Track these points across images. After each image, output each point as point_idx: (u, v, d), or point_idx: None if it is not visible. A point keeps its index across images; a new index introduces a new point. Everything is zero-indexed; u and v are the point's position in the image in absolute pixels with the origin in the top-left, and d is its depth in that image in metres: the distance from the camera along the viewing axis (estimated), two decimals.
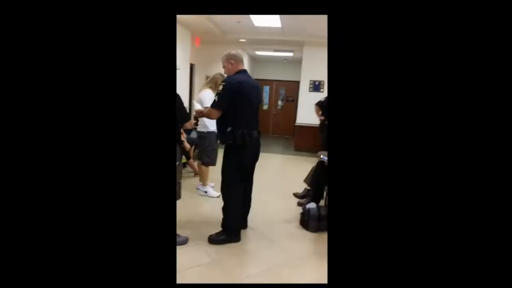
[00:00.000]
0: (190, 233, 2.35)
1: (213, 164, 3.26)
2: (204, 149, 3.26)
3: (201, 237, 2.30)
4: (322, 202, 2.91)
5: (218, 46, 5.36)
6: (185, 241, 2.23)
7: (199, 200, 3.22)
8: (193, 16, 4.20)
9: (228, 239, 2.27)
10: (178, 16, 4.21)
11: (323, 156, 2.88)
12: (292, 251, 2.24)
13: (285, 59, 8.12)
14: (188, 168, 4.03)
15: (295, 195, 3.04)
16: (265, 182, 3.90)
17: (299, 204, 3.08)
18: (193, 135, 3.73)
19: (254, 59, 8.72)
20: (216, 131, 2.43)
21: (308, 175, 3.15)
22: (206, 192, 3.30)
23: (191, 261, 2.02)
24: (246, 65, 8.19)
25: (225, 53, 2.24)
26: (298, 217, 2.79)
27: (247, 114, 2.17)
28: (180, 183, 2.24)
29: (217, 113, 2.15)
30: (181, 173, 2.27)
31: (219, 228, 2.33)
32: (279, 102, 9.09)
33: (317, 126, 5.15)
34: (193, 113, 2.55)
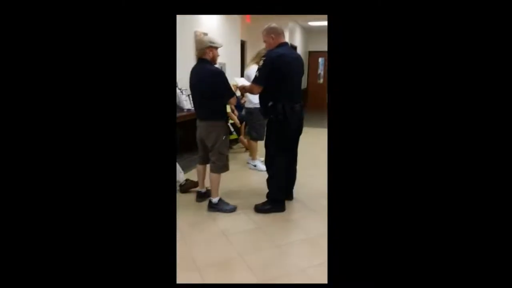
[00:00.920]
0: (239, 202, 2.53)
1: (261, 139, 3.36)
2: (252, 124, 3.38)
3: (248, 206, 2.47)
4: None
5: (268, 21, 5.30)
6: (233, 209, 2.41)
7: (249, 173, 3.38)
8: None
9: (273, 208, 2.39)
10: None
11: None
12: None
13: None
14: (240, 144, 4.22)
15: None
16: (314, 157, 3.90)
17: None
18: (244, 112, 3.87)
19: (308, 31, 8.40)
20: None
21: None
22: (255, 166, 3.44)
23: (238, 226, 2.20)
24: (298, 37, 7.91)
25: (265, 27, 2.25)
26: None
27: (288, 88, 2.19)
28: (227, 156, 2.39)
29: (258, 88, 2.21)
30: (227, 146, 2.41)
31: (265, 199, 2.46)
32: None
33: None
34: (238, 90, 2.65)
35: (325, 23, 6.87)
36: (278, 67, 2.13)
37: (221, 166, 2.35)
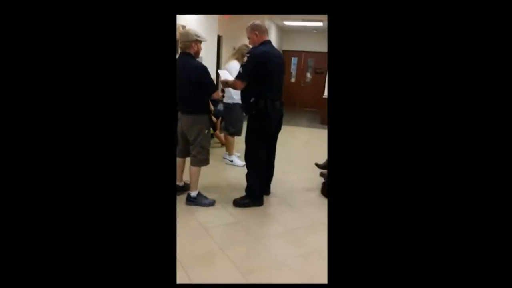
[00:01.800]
0: (217, 196, 2.54)
1: (239, 134, 3.39)
2: (230, 120, 3.39)
3: (227, 201, 2.49)
4: None
5: (245, 18, 5.32)
6: (212, 203, 2.42)
7: (225, 168, 3.40)
8: None
9: (252, 203, 2.43)
10: None
11: None
12: (310, 216, 2.37)
13: (315, 29, 7.86)
14: (215, 139, 4.21)
15: (317, 165, 3.13)
16: (290, 154, 4.00)
17: (321, 174, 3.17)
18: (220, 107, 3.86)
19: (283, 30, 8.51)
20: (240, 102, 2.52)
21: None
22: (232, 161, 3.47)
23: (217, 220, 2.22)
24: (273, 36, 8.01)
25: (249, 24, 2.28)
26: (320, 186, 2.89)
27: (270, 85, 2.24)
28: (208, 150, 2.39)
29: (241, 84, 2.23)
30: (209, 141, 2.42)
31: (243, 193, 2.50)
32: (308, 75, 8.92)
33: None
34: (220, 84, 2.65)
35: (300, 23, 7.03)
36: (261, 64, 2.17)
37: (202, 160, 2.35)
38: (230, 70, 3.02)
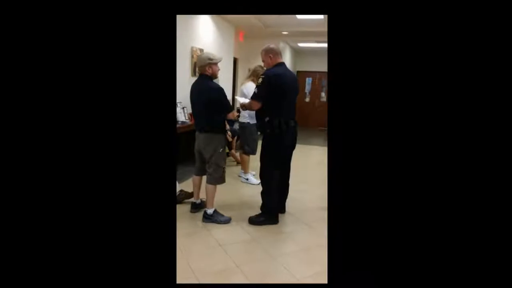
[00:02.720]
0: (233, 214, 2.58)
1: (254, 153, 3.46)
2: (245, 139, 3.47)
3: (242, 218, 2.52)
4: None
5: (261, 40, 5.52)
6: (228, 221, 2.46)
7: (241, 186, 3.45)
8: None
9: (267, 221, 2.45)
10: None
11: None
12: (325, 235, 2.35)
13: None
14: (231, 158, 4.29)
15: None
16: (305, 173, 4.02)
17: None
18: (236, 126, 3.96)
19: (297, 51, 8.72)
20: (255, 122, 2.60)
21: None
22: (247, 179, 3.51)
23: (233, 237, 2.24)
24: (288, 57, 8.20)
25: (264, 47, 2.39)
26: None
27: (284, 105, 2.31)
28: (224, 168, 2.46)
29: (257, 104, 2.32)
30: (225, 159, 2.49)
31: (259, 211, 2.53)
32: (322, 94, 9.01)
33: None
34: (236, 104, 2.75)
35: (314, 44, 7.19)
36: (275, 85, 2.25)
37: (218, 178, 2.41)
38: (247, 91, 3.14)
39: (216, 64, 2.35)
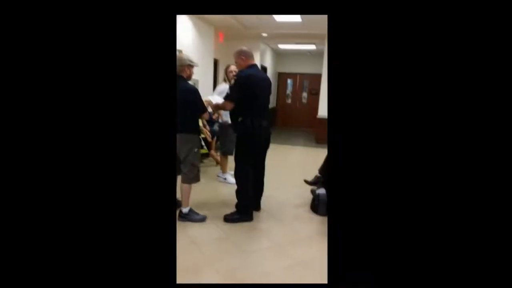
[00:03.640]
0: (209, 212, 2.62)
1: (230, 153, 3.51)
2: (222, 139, 3.53)
3: (217, 217, 2.57)
4: None
5: (241, 41, 5.60)
6: (203, 219, 2.50)
7: (218, 185, 3.49)
8: None
9: (241, 218, 2.51)
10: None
11: None
12: (299, 231, 2.44)
13: (309, 51, 8.16)
14: (211, 158, 4.33)
15: (306, 181, 3.22)
16: (283, 172, 4.10)
17: (312, 191, 3.25)
18: (215, 127, 4.01)
19: (277, 53, 8.84)
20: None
21: (322, 164, 3.29)
22: (225, 179, 3.56)
23: (207, 235, 2.29)
24: (269, 59, 8.26)
25: (236, 49, 2.46)
26: (309, 202, 2.97)
27: (256, 105, 2.38)
28: (198, 167, 2.50)
29: (230, 105, 2.39)
30: (199, 159, 2.53)
31: (234, 209, 2.58)
32: (303, 95, 9.15)
33: None
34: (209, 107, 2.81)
35: (295, 46, 7.32)
36: (247, 86, 2.33)
37: (192, 177, 2.45)
38: (221, 92, 3.19)
39: (193, 67, 2.40)
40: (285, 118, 9.07)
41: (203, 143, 3.95)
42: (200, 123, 3.38)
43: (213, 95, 2.82)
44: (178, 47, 4.25)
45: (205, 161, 4.40)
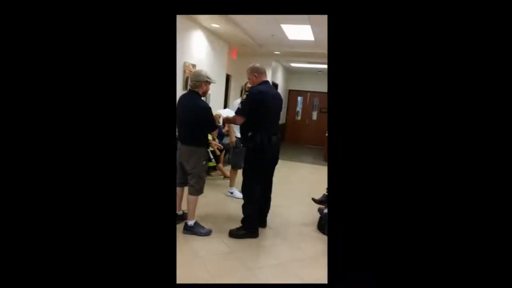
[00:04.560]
0: (214, 226, 2.60)
1: (239, 167, 3.52)
2: (232, 153, 3.55)
3: (223, 231, 2.54)
4: None
5: (253, 58, 5.70)
6: (208, 233, 2.48)
7: (225, 199, 3.48)
8: (229, 29, 4.54)
9: (247, 234, 2.48)
10: (216, 28, 4.59)
11: None
12: (305, 250, 2.39)
13: (320, 70, 8.24)
14: (218, 171, 4.33)
15: (314, 200, 3.18)
16: (290, 189, 4.07)
17: (319, 210, 3.20)
18: (225, 140, 4.03)
19: (289, 71, 8.95)
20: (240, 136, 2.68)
21: None
22: (232, 193, 3.55)
23: (212, 249, 2.26)
24: (280, 76, 8.36)
25: (249, 66, 2.50)
26: (317, 221, 2.92)
27: (267, 121, 2.40)
28: (204, 180, 2.50)
29: (240, 119, 2.41)
30: (206, 171, 2.54)
31: (240, 225, 2.56)
32: (313, 113, 9.18)
33: None
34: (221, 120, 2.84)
35: (306, 65, 7.40)
36: (258, 102, 2.35)
37: (198, 189, 2.45)
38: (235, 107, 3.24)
39: (210, 83, 2.44)
40: (294, 135, 9.08)
41: (211, 156, 3.96)
42: (210, 137, 3.40)
43: (224, 110, 2.86)
44: (193, 62, 4.35)
45: (213, 174, 4.41)
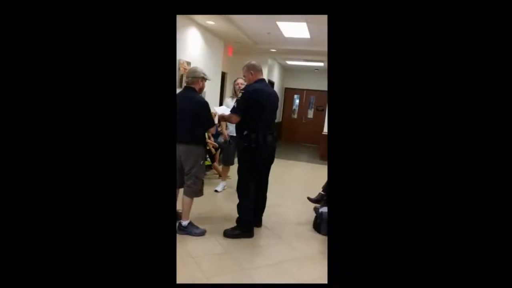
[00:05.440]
0: (209, 226, 2.57)
1: (231, 163, 3.54)
2: (226, 150, 3.53)
3: (218, 231, 2.51)
4: None
5: (249, 56, 5.63)
6: (203, 233, 2.45)
7: (220, 199, 3.45)
8: (225, 26, 4.50)
9: (242, 234, 2.46)
10: (211, 26, 4.54)
11: None
12: (300, 250, 2.37)
13: (316, 68, 8.22)
14: (213, 170, 4.30)
15: (309, 199, 3.16)
16: (286, 188, 4.05)
17: (315, 209, 3.19)
18: (220, 139, 4.00)
19: (285, 68, 8.91)
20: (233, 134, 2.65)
21: (326, 182, 3.25)
22: (216, 190, 3.59)
23: (206, 250, 2.23)
24: (276, 74, 8.34)
25: (245, 63, 2.47)
26: (312, 220, 2.90)
27: (262, 120, 2.37)
28: (203, 181, 2.47)
29: (236, 118, 2.38)
30: (204, 171, 2.51)
31: (234, 224, 2.53)
32: (309, 111, 9.16)
33: None
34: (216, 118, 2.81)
35: (302, 63, 7.38)
36: (254, 100, 2.32)
37: (196, 191, 2.41)
38: (228, 105, 3.21)
39: (205, 80, 2.42)
40: (290, 133, 9.06)
41: (207, 155, 3.93)
42: (206, 135, 3.37)
43: (220, 107, 2.83)
44: (188, 59, 4.30)
45: (208, 173, 4.37)
